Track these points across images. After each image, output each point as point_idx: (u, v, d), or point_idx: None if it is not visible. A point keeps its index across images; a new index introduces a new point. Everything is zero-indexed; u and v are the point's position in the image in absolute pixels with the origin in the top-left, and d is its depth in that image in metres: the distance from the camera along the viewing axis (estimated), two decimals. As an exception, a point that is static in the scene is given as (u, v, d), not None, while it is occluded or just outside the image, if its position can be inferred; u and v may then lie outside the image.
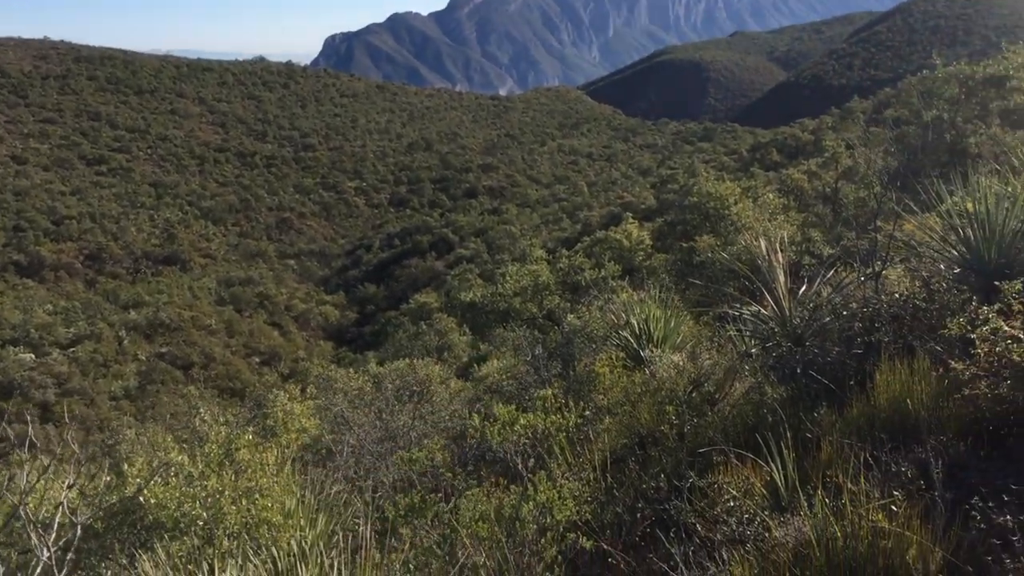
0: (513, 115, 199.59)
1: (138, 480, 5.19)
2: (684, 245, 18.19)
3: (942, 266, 6.00)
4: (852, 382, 5.35)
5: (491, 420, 5.49)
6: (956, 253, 5.91)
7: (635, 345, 8.37)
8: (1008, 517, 3.44)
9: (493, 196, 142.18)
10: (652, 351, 7.91)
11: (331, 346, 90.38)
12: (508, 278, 17.02)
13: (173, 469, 5.44)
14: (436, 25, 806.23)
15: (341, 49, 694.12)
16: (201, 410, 9.35)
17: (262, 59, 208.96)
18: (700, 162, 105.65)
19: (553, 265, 18.20)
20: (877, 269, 6.84)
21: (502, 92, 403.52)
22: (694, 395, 6.41)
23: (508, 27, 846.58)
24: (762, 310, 6.53)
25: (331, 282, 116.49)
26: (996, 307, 4.63)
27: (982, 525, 3.51)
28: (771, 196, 20.25)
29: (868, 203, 14.56)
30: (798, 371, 5.72)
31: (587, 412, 6.62)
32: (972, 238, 5.77)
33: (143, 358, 75.11)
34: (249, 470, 5.52)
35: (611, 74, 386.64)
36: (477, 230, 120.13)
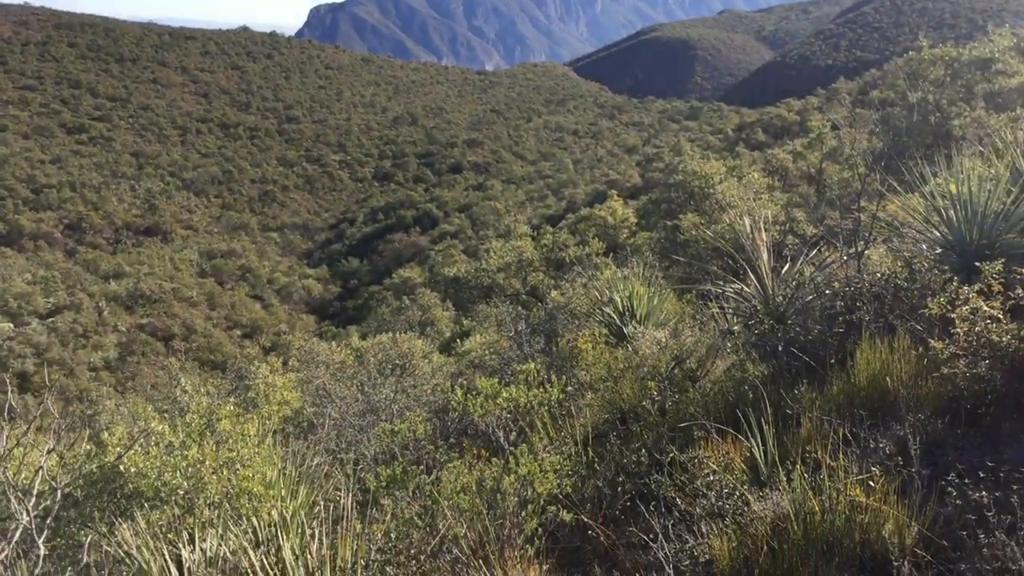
0: (499, 90, 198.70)
1: (118, 449, 5.16)
2: (668, 223, 18.22)
3: (924, 246, 6.04)
4: (833, 360, 5.39)
5: (473, 394, 5.48)
6: (938, 234, 5.95)
7: (618, 322, 8.41)
8: (983, 493, 3.48)
9: (478, 172, 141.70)
10: (635, 328, 7.94)
11: (313, 320, 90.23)
12: (492, 254, 17.05)
13: (154, 438, 5.42)
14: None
15: (326, 20, 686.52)
16: (182, 381, 9.31)
17: (246, 29, 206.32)
18: (686, 140, 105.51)
19: (537, 241, 18.20)
20: (860, 249, 6.87)
21: (488, 67, 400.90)
22: (676, 371, 6.44)
23: (495, 1, 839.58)
24: (745, 288, 6.55)
25: (314, 256, 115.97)
26: (976, 287, 4.67)
27: (958, 501, 3.56)
28: (756, 176, 20.29)
29: (852, 184, 14.61)
30: (779, 348, 5.75)
31: (569, 387, 6.64)
32: (954, 219, 5.81)
33: (123, 329, 74.67)
34: (230, 440, 5.50)
35: (598, 50, 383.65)
36: (462, 206, 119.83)
